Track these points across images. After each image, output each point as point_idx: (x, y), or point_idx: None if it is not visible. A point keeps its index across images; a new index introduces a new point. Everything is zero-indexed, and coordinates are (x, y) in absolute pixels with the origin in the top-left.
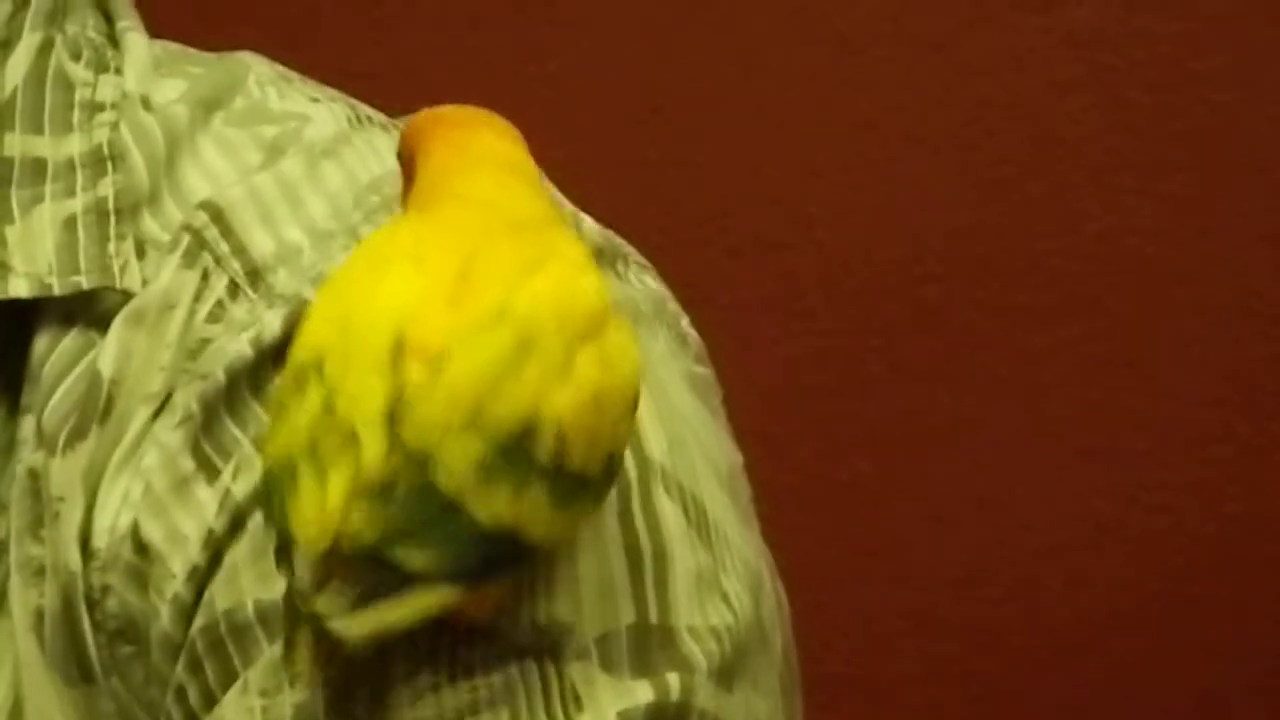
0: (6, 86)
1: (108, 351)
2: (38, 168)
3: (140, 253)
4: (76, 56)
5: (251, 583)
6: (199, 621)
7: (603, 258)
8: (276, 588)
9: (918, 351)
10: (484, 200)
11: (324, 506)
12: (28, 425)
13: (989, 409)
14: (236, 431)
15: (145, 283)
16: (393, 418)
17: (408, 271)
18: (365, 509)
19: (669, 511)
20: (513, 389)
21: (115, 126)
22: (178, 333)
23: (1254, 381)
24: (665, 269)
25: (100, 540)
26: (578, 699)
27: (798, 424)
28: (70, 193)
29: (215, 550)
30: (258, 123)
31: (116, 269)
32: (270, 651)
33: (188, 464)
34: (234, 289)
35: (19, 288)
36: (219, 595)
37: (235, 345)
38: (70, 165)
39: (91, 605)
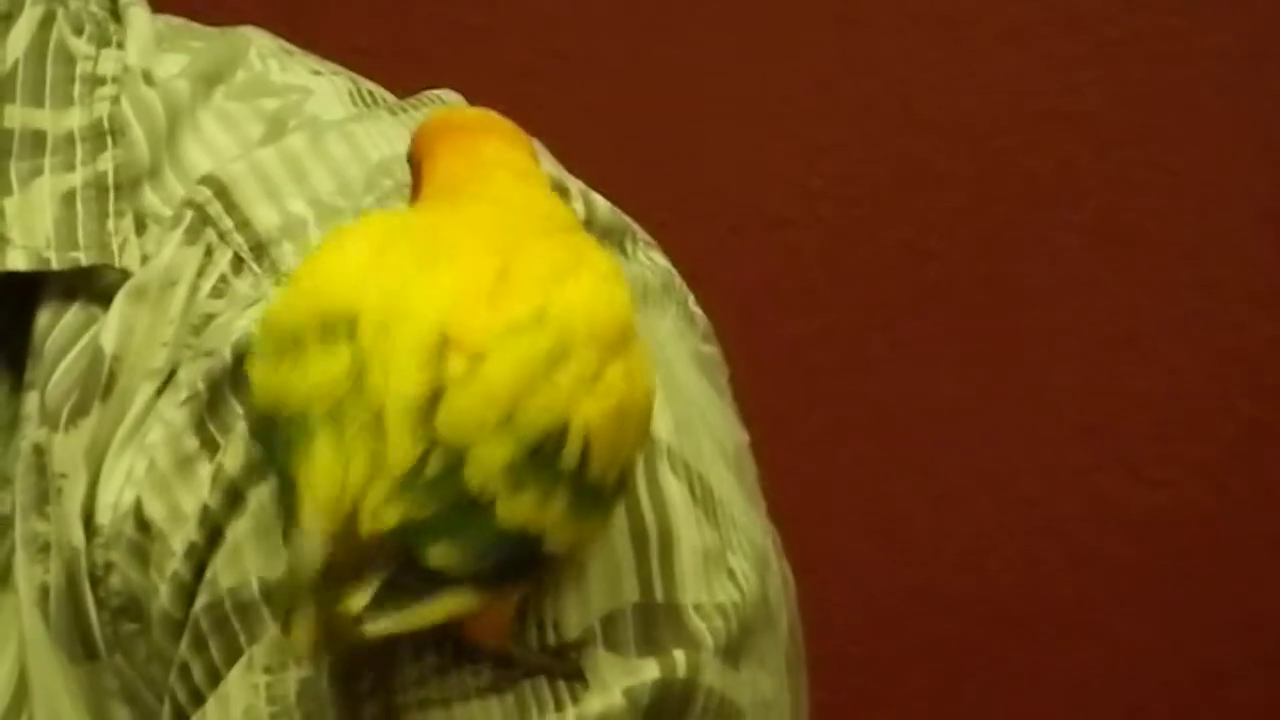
0: (8, 59)
1: (110, 327)
2: (37, 140)
3: (141, 228)
4: (78, 30)
5: (256, 560)
6: (203, 599)
7: (611, 235)
8: (281, 565)
9: (920, 329)
10: (501, 199)
11: (343, 482)
12: (32, 401)
13: (991, 387)
14: (240, 410)
15: (145, 259)
16: (428, 408)
17: (449, 263)
18: (389, 494)
19: (675, 490)
20: (547, 393)
21: (116, 101)
22: (180, 308)
23: (1255, 359)
24: (669, 247)
25: (103, 517)
26: (583, 679)
27: (801, 402)
28: (70, 166)
29: (213, 527)
30: (259, 96)
31: (115, 247)
32: (275, 629)
33: (191, 442)
34: (238, 263)
35: (16, 260)
36: (223, 572)
37: (241, 323)
38: (70, 139)
39: (95, 582)
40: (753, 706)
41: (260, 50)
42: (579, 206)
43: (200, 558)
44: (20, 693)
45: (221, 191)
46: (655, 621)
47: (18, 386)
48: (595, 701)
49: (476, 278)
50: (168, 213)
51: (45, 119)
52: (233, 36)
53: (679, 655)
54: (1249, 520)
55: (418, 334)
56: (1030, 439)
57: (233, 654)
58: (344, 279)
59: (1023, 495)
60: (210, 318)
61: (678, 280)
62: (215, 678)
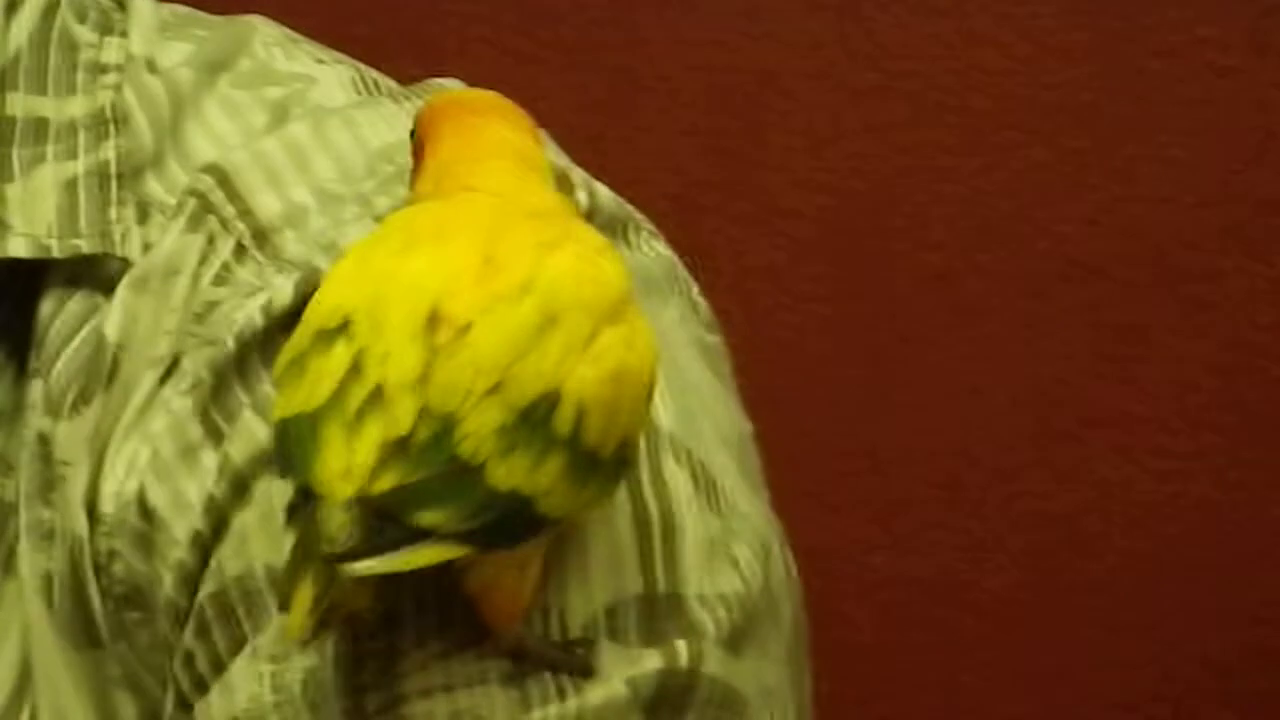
0: (11, 46)
1: (113, 315)
2: (40, 128)
3: (143, 216)
4: (82, 18)
5: (262, 548)
6: (208, 587)
7: (614, 224)
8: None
9: (923, 319)
10: (498, 190)
11: (353, 458)
12: (36, 389)
13: (994, 376)
14: (244, 399)
15: (147, 247)
16: (422, 380)
17: (434, 251)
18: (381, 460)
19: (678, 479)
20: (536, 359)
21: (119, 89)
22: (183, 296)
23: (1261, 349)
24: (671, 236)
25: (107, 505)
26: (591, 674)
27: (805, 392)
28: (72, 154)
29: (219, 516)
30: (263, 84)
31: (117, 236)
32: (280, 617)
33: (196, 431)
34: (240, 251)
35: (18, 248)
36: (228, 561)
37: (245, 312)
38: (72, 127)
39: (98, 570)
40: (756, 696)
41: (265, 39)
42: (582, 196)
43: (205, 546)
44: (23, 680)
45: (224, 180)
46: (658, 612)
47: (22, 375)
48: (597, 691)
49: (463, 259)
50: (171, 201)
51: (48, 107)
52: (238, 25)
53: (681, 645)
54: (1254, 511)
55: (409, 314)
56: (1033, 429)
57: (237, 642)
58: (333, 292)
59: (1026, 485)
60: (213, 306)
61: (681, 269)
62: (219, 666)
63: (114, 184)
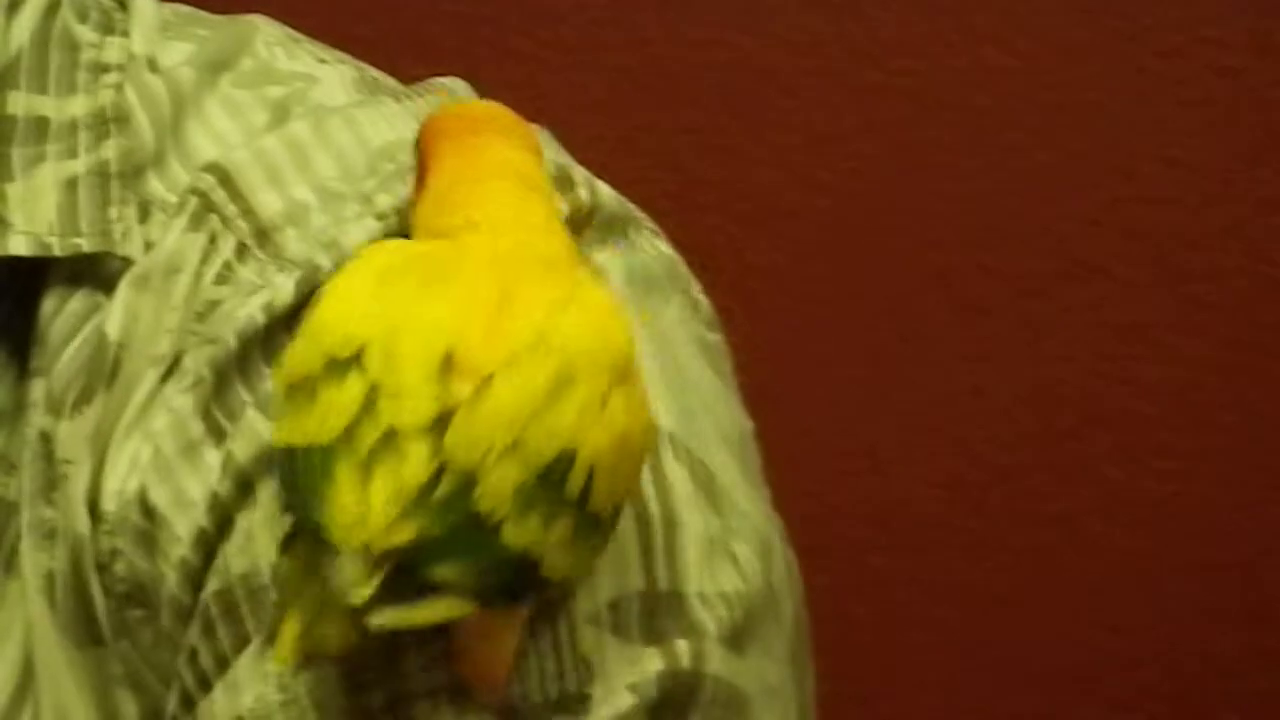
0: (12, 45)
1: (114, 314)
2: (40, 127)
3: (144, 215)
4: (83, 17)
5: (267, 547)
6: (213, 585)
7: (616, 222)
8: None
9: (924, 319)
10: (504, 225)
11: (368, 505)
12: (37, 388)
13: (998, 376)
14: (247, 397)
15: (149, 246)
16: (438, 428)
17: (449, 292)
18: (403, 511)
19: (678, 477)
20: (554, 420)
21: (120, 88)
22: (184, 295)
23: (1263, 348)
24: (673, 235)
25: (109, 504)
26: (589, 667)
27: (806, 391)
28: (72, 154)
29: (224, 514)
30: (264, 83)
31: (118, 234)
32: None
33: (197, 428)
34: (242, 250)
35: (18, 246)
36: (234, 559)
37: (246, 309)
38: (73, 126)
39: (100, 568)
40: (759, 694)
41: (267, 38)
42: (584, 194)
43: (210, 543)
44: (26, 679)
45: (225, 179)
46: (658, 610)
47: (23, 374)
48: (604, 710)
49: (478, 303)
50: (172, 200)
51: (49, 106)
52: (240, 24)
53: (683, 645)
54: (1254, 511)
55: (424, 355)
56: (1037, 428)
57: (242, 640)
58: (346, 317)
59: (1029, 484)
60: (215, 304)
61: (682, 267)
62: (224, 664)
63: (115, 183)
